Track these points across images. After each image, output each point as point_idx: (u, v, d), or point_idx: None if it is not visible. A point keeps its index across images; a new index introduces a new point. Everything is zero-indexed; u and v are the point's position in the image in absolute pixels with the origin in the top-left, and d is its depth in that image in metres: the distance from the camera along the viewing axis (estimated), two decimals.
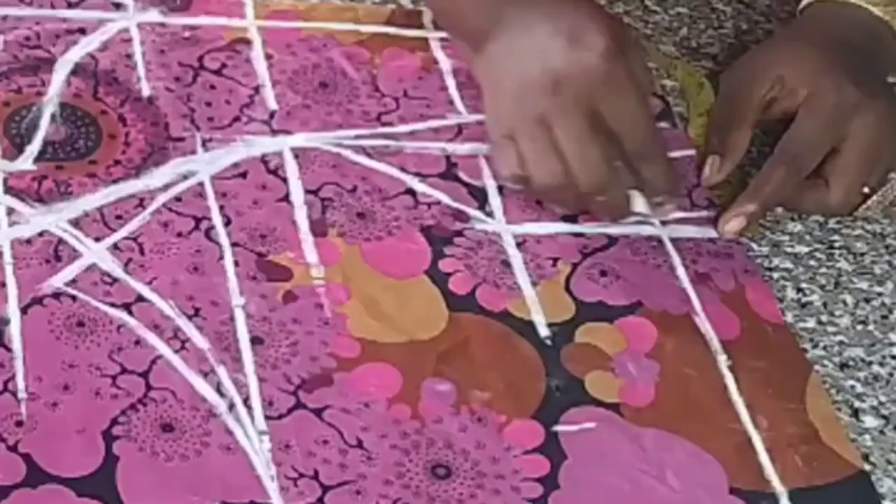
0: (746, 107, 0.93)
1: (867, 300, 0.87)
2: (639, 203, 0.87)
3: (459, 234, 0.87)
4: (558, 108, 0.84)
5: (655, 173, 0.87)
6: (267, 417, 0.75)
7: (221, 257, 0.82)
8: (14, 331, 0.76)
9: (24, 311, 0.77)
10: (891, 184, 0.93)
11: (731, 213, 0.89)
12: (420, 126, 0.92)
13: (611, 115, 0.85)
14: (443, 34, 0.99)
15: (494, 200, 0.89)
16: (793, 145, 0.90)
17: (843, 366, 0.83)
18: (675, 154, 0.94)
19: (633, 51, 0.87)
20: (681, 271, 0.87)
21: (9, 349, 0.75)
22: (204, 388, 0.76)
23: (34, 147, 0.86)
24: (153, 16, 0.96)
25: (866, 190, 0.92)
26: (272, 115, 0.91)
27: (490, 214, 0.88)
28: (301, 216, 0.86)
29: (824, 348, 0.84)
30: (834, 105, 0.90)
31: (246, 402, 0.75)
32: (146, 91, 0.91)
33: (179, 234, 0.83)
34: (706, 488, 0.76)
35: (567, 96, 0.84)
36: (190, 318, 0.79)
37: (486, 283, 0.84)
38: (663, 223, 0.89)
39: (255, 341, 0.78)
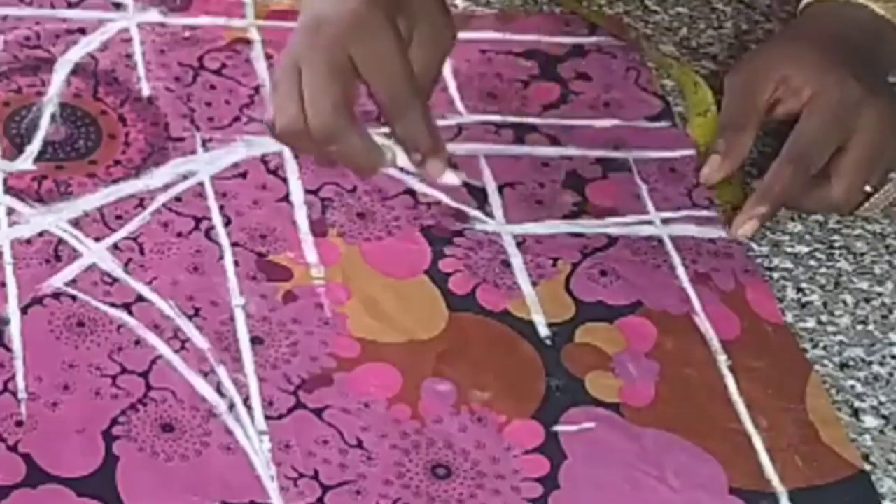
0: (751, 108, 0.93)
1: (867, 300, 0.87)
2: (400, 157, 0.81)
3: (459, 234, 0.87)
4: (309, 50, 0.80)
5: (408, 129, 0.81)
6: (267, 417, 0.75)
7: (221, 257, 0.82)
8: (14, 331, 0.76)
9: (24, 311, 0.77)
10: (892, 183, 0.93)
11: (744, 216, 0.89)
12: None
13: (361, 62, 0.80)
14: None
15: (494, 200, 0.89)
16: (800, 144, 0.90)
17: (843, 366, 0.83)
18: (674, 154, 0.94)
19: (421, 8, 0.82)
20: (681, 271, 0.87)
21: (9, 349, 0.75)
22: (204, 388, 0.76)
23: (34, 147, 0.86)
24: (153, 16, 0.96)
25: (868, 189, 0.92)
26: None
27: (490, 214, 0.88)
28: (301, 216, 0.86)
29: (824, 348, 0.84)
30: (838, 102, 0.90)
31: (246, 402, 0.75)
32: (146, 91, 0.91)
33: (179, 234, 0.83)
34: (706, 488, 0.76)
35: (319, 37, 0.80)
36: (190, 318, 0.79)
37: (486, 283, 0.84)
38: (664, 222, 0.89)
39: (255, 341, 0.78)
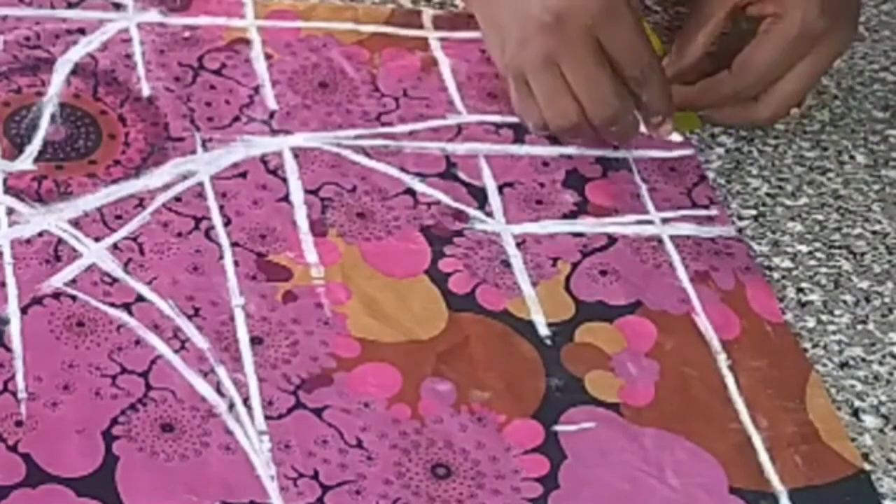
0: (708, 15, 0.95)
1: (867, 300, 0.87)
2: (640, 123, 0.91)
3: (459, 234, 0.87)
4: (563, 45, 0.86)
5: (653, 95, 0.89)
6: (267, 417, 0.75)
7: (221, 257, 0.82)
8: (14, 331, 0.76)
9: (24, 311, 0.77)
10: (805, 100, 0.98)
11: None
12: (420, 126, 0.92)
13: (611, 43, 0.86)
14: (443, 34, 0.99)
15: (494, 200, 0.89)
16: (745, 73, 0.93)
17: (843, 365, 0.83)
18: (674, 154, 0.94)
19: None
20: (681, 271, 0.87)
21: (9, 349, 0.75)
22: (204, 388, 0.76)
23: (34, 147, 0.86)
24: (153, 16, 0.96)
25: (794, 111, 0.96)
26: (272, 115, 0.91)
27: (490, 214, 0.88)
28: (301, 216, 0.86)
29: (824, 348, 0.84)
30: (796, 36, 0.92)
31: (246, 401, 0.75)
32: (146, 91, 0.91)
33: (179, 234, 0.83)
34: (706, 488, 0.76)
35: (569, 31, 0.85)
36: (190, 317, 0.79)
37: (486, 283, 0.84)
38: (664, 222, 0.89)
39: (255, 341, 0.78)
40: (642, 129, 0.91)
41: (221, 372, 0.76)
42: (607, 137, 0.91)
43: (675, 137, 0.94)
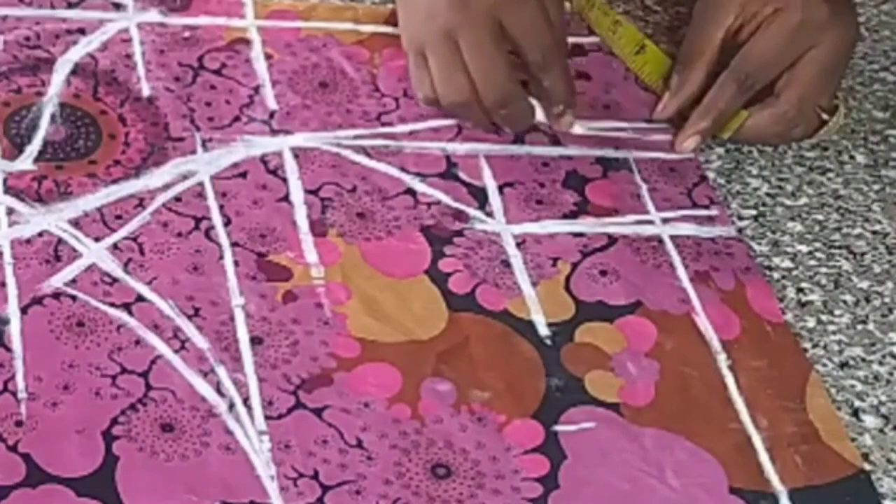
0: (705, 42, 0.95)
1: (867, 299, 0.87)
2: (539, 113, 0.91)
3: (459, 233, 0.87)
4: (465, 22, 0.87)
5: (554, 83, 0.90)
6: (267, 417, 0.75)
7: (221, 257, 0.82)
8: (14, 331, 0.76)
9: (24, 311, 0.77)
10: (841, 108, 0.96)
11: (686, 133, 0.93)
12: (420, 126, 0.93)
13: (513, 26, 0.88)
14: None
15: (494, 200, 0.89)
16: (746, 62, 0.93)
17: (843, 365, 0.83)
18: (674, 154, 0.94)
19: None
20: (681, 271, 0.87)
21: (9, 349, 0.75)
22: (204, 388, 0.76)
23: (34, 147, 0.86)
24: (153, 16, 0.96)
25: (825, 116, 0.93)
26: (272, 115, 0.91)
27: (490, 214, 0.88)
28: (301, 216, 0.86)
29: (824, 348, 0.84)
30: (800, 23, 0.92)
31: (246, 401, 0.75)
32: (146, 91, 0.91)
33: (179, 234, 0.83)
34: (706, 488, 0.76)
35: (473, 9, 0.87)
36: (190, 317, 0.79)
37: (486, 283, 0.84)
38: (664, 222, 0.89)
39: (255, 341, 0.78)
40: (540, 118, 0.92)
41: (221, 372, 0.76)
42: (497, 121, 0.91)
43: (577, 130, 0.93)
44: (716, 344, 0.83)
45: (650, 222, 0.89)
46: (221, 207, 0.85)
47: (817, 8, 0.92)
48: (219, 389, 0.76)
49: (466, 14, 0.87)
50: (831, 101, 0.96)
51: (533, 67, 0.89)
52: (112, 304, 0.79)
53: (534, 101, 0.92)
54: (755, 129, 0.94)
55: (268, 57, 0.95)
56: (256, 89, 0.93)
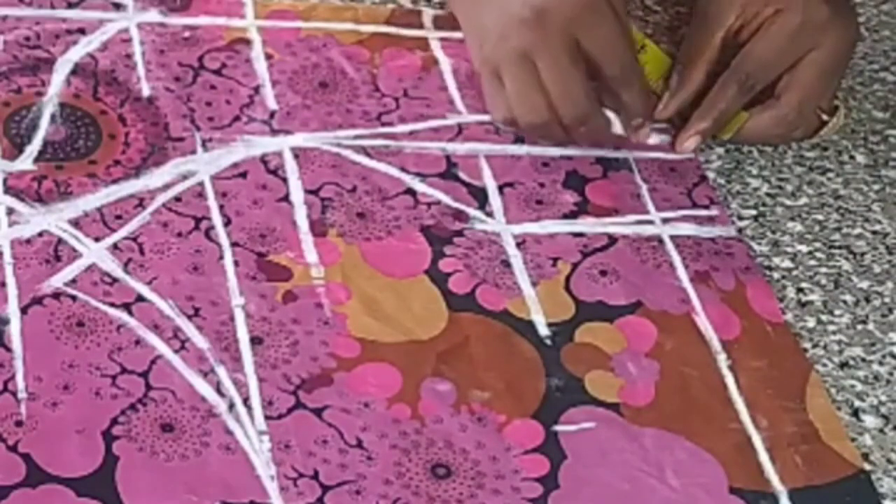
0: (705, 42, 0.95)
1: (867, 299, 0.87)
2: (616, 125, 0.91)
3: (459, 234, 0.87)
4: (540, 41, 0.86)
5: (633, 97, 0.90)
6: (267, 417, 0.75)
7: (221, 257, 0.82)
8: (14, 331, 0.76)
9: (24, 311, 0.77)
10: (841, 108, 0.96)
11: (686, 133, 0.93)
12: (420, 126, 0.93)
13: (591, 43, 0.87)
14: (443, 34, 0.99)
15: (494, 200, 0.89)
16: (747, 63, 0.93)
17: (843, 365, 0.83)
18: (674, 154, 0.94)
19: None
20: (681, 271, 0.87)
21: (9, 349, 0.75)
22: (204, 388, 0.76)
23: (34, 147, 0.86)
24: (153, 16, 0.96)
25: (825, 118, 0.94)
26: (272, 115, 0.91)
27: (490, 214, 0.88)
28: (301, 216, 0.86)
29: (824, 348, 0.84)
30: (800, 24, 0.92)
31: (246, 401, 0.75)
32: (146, 91, 0.91)
33: (179, 234, 0.83)
34: (706, 488, 0.76)
35: (549, 28, 0.86)
36: (190, 317, 0.79)
37: (486, 283, 0.84)
38: (664, 222, 0.89)
39: (255, 341, 0.78)
40: (619, 131, 0.91)
41: (221, 372, 0.76)
42: (577, 138, 0.91)
43: (653, 140, 0.94)
44: (716, 344, 0.83)
45: (650, 222, 0.89)
46: (221, 207, 0.85)
47: (818, 9, 0.92)
48: (219, 389, 0.76)
49: (542, 33, 0.86)
50: (831, 102, 0.96)
51: (612, 83, 0.89)
52: (112, 304, 0.79)
53: (609, 114, 0.91)
54: (755, 131, 0.94)
55: (268, 57, 0.95)
56: (256, 89, 0.93)
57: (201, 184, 0.86)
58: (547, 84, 0.87)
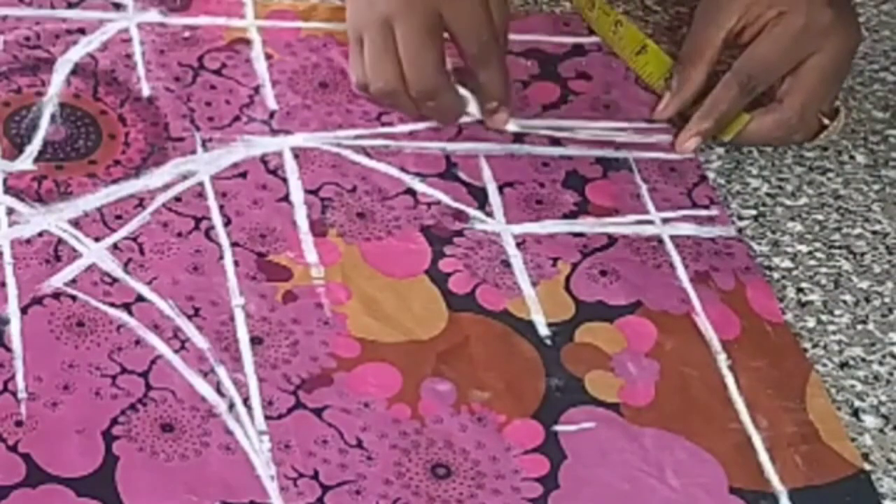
0: (705, 43, 0.95)
1: (867, 300, 0.87)
2: (472, 105, 0.91)
3: (459, 233, 0.87)
4: (402, 10, 0.87)
5: (490, 79, 0.90)
6: (267, 417, 0.75)
7: (221, 257, 0.82)
8: (14, 331, 0.76)
9: (24, 311, 0.77)
10: (841, 111, 0.96)
11: (687, 133, 0.93)
12: (420, 126, 0.92)
13: (452, 18, 0.87)
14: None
15: (494, 200, 0.89)
16: (749, 64, 0.93)
17: (843, 365, 0.83)
18: (674, 154, 0.94)
19: None
20: (681, 271, 0.87)
21: (9, 349, 0.75)
22: (204, 388, 0.76)
23: (34, 147, 0.86)
24: (153, 16, 0.96)
25: (826, 121, 0.94)
26: (272, 115, 0.91)
27: (490, 214, 0.88)
28: (301, 216, 0.86)
29: (824, 348, 0.84)
30: (803, 27, 0.92)
31: (246, 401, 0.75)
32: (146, 91, 0.91)
33: (179, 234, 0.83)
34: (706, 488, 0.76)
35: None
36: (190, 317, 0.79)
37: (486, 283, 0.84)
38: (664, 222, 0.89)
39: (255, 341, 0.78)
40: (474, 112, 0.91)
41: (221, 372, 0.76)
42: (424, 112, 0.91)
43: (510, 127, 0.93)
44: (716, 344, 0.83)
45: (650, 222, 0.89)
46: (221, 207, 0.85)
47: (821, 13, 0.92)
48: (219, 389, 0.76)
49: (406, 3, 0.86)
50: (832, 105, 0.96)
51: (469, 60, 0.89)
52: (112, 304, 0.79)
53: (466, 94, 0.91)
54: (757, 134, 0.94)
55: (268, 57, 0.95)
56: (256, 89, 0.93)
57: (201, 184, 0.86)
58: (401, 53, 0.87)
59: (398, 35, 0.87)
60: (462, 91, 0.91)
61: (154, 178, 0.86)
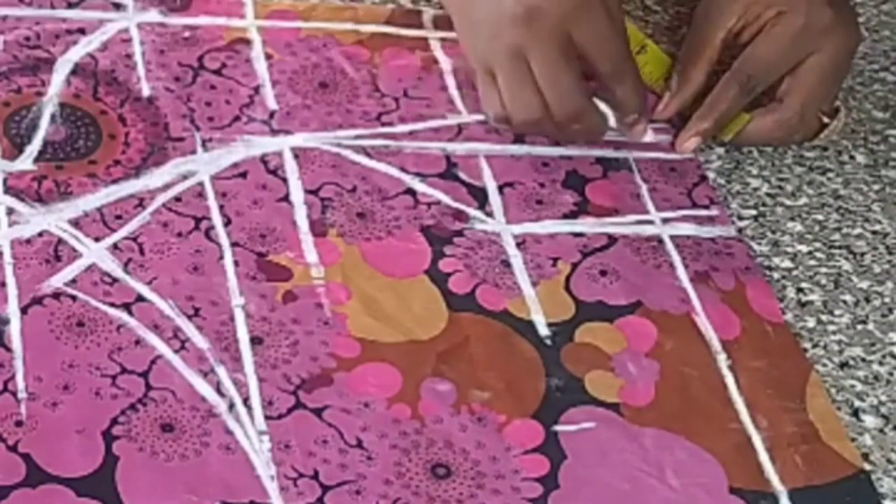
0: (705, 43, 0.95)
1: (867, 300, 0.87)
2: (610, 119, 0.91)
3: (459, 233, 0.87)
4: (533, 38, 0.86)
5: (627, 92, 0.89)
6: (267, 417, 0.75)
7: (221, 257, 0.82)
8: (14, 331, 0.76)
9: (24, 311, 0.77)
10: (842, 111, 0.96)
11: (687, 133, 0.93)
12: (420, 126, 0.92)
13: (584, 39, 0.86)
14: (443, 34, 0.99)
15: (494, 200, 0.89)
16: (749, 64, 0.93)
17: (843, 365, 0.83)
18: (675, 154, 0.94)
19: None
20: (681, 271, 0.87)
21: (9, 349, 0.75)
22: (204, 388, 0.76)
23: (34, 147, 0.86)
24: (153, 16, 0.96)
25: (826, 120, 0.94)
26: (272, 115, 0.91)
27: (490, 214, 0.88)
28: (301, 216, 0.86)
29: (824, 348, 0.84)
30: (803, 26, 0.92)
31: (246, 401, 0.75)
32: (146, 91, 0.91)
33: (179, 234, 0.83)
34: (706, 488, 0.76)
35: (541, 25, 0.85)
36: (190, 317, 0.79)
37: (486, 283, 0.84)
38: (664, 222, 0.89)
39: (255, 341, 0.78)
40: (612, 124, 0.91)
41: (221, 372, 0.76)
42: (571, 135, 0.91)
43: (649, 138, 0.93)
44: (716, 344, 0.83)
45: (650, 222, 0.89)
46: (221, 207, 0.85)
47: (821, 12, 0.92)
48: (219, 389, 0.76)
49: (534, 30, 0.85)
50: (832, 105, 0.96)
51: (605, 79, 0.88)
52: (112, 304, 0.79)
53: (605, 109, 0.91)
54: (756, 134, 0.94)
55: (268, 57, 0.95)
56: (256, 89, 0.93)
57: (201, 184, 0.86)
58: (540, 81, 0.86)
59: (533, 64, 0.86)
60: (602, 107, 0.91)
61: (154, 178, 0.86)
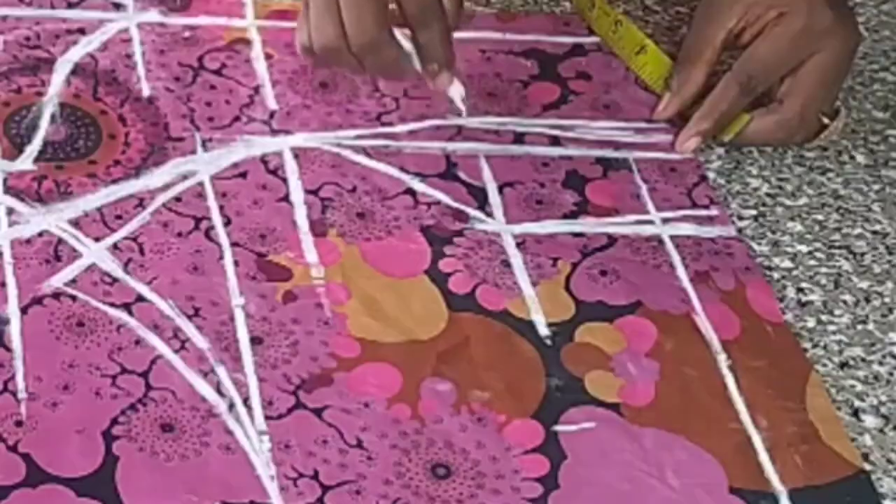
0: (705, 43, 0.95)
1: (867, 300, 0.87)
2: (415, 61, 0.89)
3: (459, 233, 0.87)
4: None
5: (430, 40, 0.88)
6: (267, 417, 0.75)
7: (221, 257, 0.82)
8: (14, 331, 0.76)
9: (24, 311, 0.77)
10: (842, 112, 0.96)
11: (687, 133, 0.93)
12: (420, 126, 0.93)
13: None
14: None
15: (494, 200, 0.89)
16: (750, 64, 0.93)
17: (843, 365, 0.83)
18: (674, 154, 0.94)
19: None
20: (681, 271, 0.87)
21: (9, 349, 0.75)
22: (204, 388, 0.76)
23: (34, 147, 0.86)
24: (153, 16, 0.96)
25: (826, 121, 0.94)
26: (272, 115, 0.91)
27: (490, 214, 0.88)
28: (301, 216, 0.86)
29: (824, 348, 0.84)
30: (803, 27, 0.92)
31: (246, 401, 0.75)
32: (146, 91, 0.91)
33: (179, 234, 0.83)
34: (706, 488, 0.76)
35: None
36: (190, 317, 0.79)
37: (486, 283, 0.84)
38: (664, 222, 0.89)
39: (255, 341, 0.78)
40: (418, 67, 0.89)
41: (221, 372, 0.76)
42: (368, 69, 0.88)
43: (452, 90, 0.90)
44: (716, 344, 0.83)
45: (650, 222, 0.89)
46: (221, 207, 0.85)
47: (821, 13, 0.92)
48: (219, 389, 0.76)
49: None
50: (833, 105, 0.96)
51: (410, 20, 0.87)
52: (112, 304, 0.79)
53: (409, 47, 0.89)
54: (757, 134, 0.94)
55: (268, 57, 0.95)
56: (256, 89, 0.93)
57: (201, 184, 0.86)
58: (342, 9, 0.86)
59: None
60: (406, 45, 0.89)
61: (154, 178, 0.86)
